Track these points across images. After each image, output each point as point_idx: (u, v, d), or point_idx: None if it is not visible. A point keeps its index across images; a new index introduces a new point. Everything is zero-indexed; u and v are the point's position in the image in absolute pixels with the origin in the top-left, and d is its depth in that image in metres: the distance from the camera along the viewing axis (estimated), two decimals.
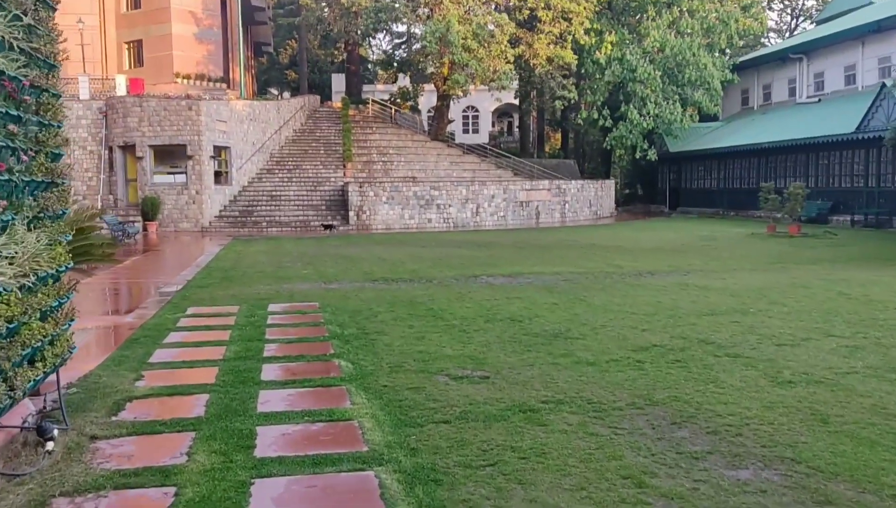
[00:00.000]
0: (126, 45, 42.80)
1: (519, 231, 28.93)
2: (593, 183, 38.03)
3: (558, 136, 69.87)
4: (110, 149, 31.30)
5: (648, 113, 38.00)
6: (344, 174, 35.04)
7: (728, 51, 44.48)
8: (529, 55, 37.78)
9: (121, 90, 33.19)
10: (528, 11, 37.30)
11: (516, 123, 70.09)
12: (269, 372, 6.92)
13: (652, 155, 39.46)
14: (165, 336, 8.55)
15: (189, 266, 16.85)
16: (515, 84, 39.00)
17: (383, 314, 10.05)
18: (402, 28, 65.52)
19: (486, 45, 34.99)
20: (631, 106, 38.37)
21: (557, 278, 13.90)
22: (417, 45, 46.11)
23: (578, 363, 7.20)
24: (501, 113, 68.01)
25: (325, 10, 49.20)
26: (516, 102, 55.17)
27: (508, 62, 35.75)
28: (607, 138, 40.24)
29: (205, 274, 15.18)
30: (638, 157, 39.98)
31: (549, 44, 38.20)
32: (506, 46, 35.31)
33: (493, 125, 66.60)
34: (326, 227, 30.22)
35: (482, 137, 60.01)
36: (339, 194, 33.17)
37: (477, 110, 63.37)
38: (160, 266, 18.03)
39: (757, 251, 19.42)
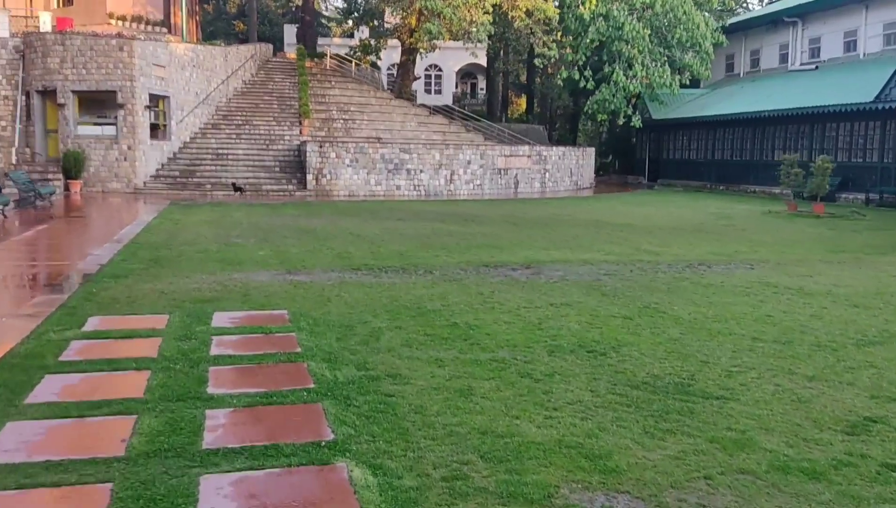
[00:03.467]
0: None
1: (501, 202, 25.68)
2: (575, 151, 34.93)
3: (521, 100, 66.74)
4: (27, 94, 26.78)
5: (635, 75, 34.92)
6: (301, 132, 31.13)
7: (714, 12, 41.66)
8: (508, 6, 34.19)
9: (45, 29, 28.53)
10: None
11: (480, 84, 66.64)
12: None
13: (637, 122, 36.52)
14: (28, 390, 4.96)
15: (109, 240, 13.14)
16: (480, 43, 35.52)
17: (388, 335, 6.72)
18: None
19: None
20: (616, 67, 35.22)
21: (594, 271, 10.72)
22: None
23: (780, 468, 4.02)
24: (465, 74, 64.37)
25: None
26: (481, 62, 51.62)
27: (486, 12, 32.12)
28: (588, 102, 37.07)
29: (128, 254, 11.54)
30: (621, 123, 36.97)
31: None
32: None
33: (457, 86, 62.85)
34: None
35: (445, 99, 56.25)
36: (294, 155, 29.34)
37: (440, 70, 59.51)
38: (70, 240, 14.22)
39: (797, 235, 16.58)
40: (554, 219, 19.32)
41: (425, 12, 31.78)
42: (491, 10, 32.57)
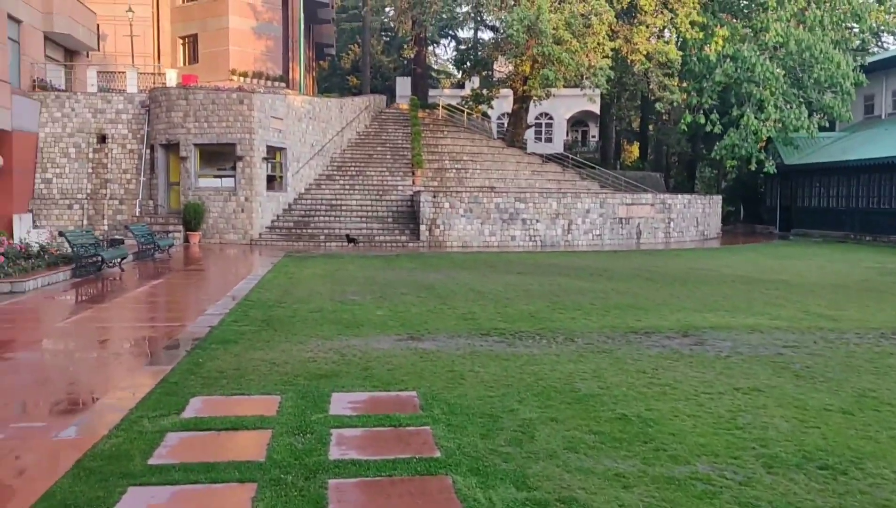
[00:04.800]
0: (181, 41, 39.61)
1: (625, 254, 23.93)
2: (701, 199, 32.70)
3: (634, 147, 64.68)
4: (152, 148, 27.50)
5: (767, 118, 32.53)
6: (413, 182, 30.59)
7: (850, 52, 38.70)
8: (627, 50, 32.80)
9: (171, 85, 29.47)
10: (627, 0, 32.38)
11: (591, 131, 65.12)
12: None
13: (770, 167, 33.91)
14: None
15: (223, 297, 12.48)
16: (598, 89, 34.05)
17: (543, 431, 5.36)
18: (468, 34, 61.60)
19: (580, 36, 30.17)
20: (746, 110, 32.95)
21: (770, 342, 9.00)
22: (494, 39, 41.63)
23: None
24: (576, 121, 63.06)
25: (391, 10, 45.40)
26: (595, 108, 50.19)
27: (606, 56, 30.82)
28: (716, 147, 34.82)
29: (240, 313, 10.73)
30: (753, 169, 34.45)
31: (649, 38, 33.25)
32: (604, 38, 30.40)
33: (568, 134, 61.53)
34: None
35: (556, 147, 55.04)
36: (407, 205, 28.72)
37: (551, 118, 58.45)
38: (182, 297, 13.67)
39: None
40: (693, 274, 17.47)
41: (540, 59, 30.83)
42: (610, 54, 31.27)
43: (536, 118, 56.42)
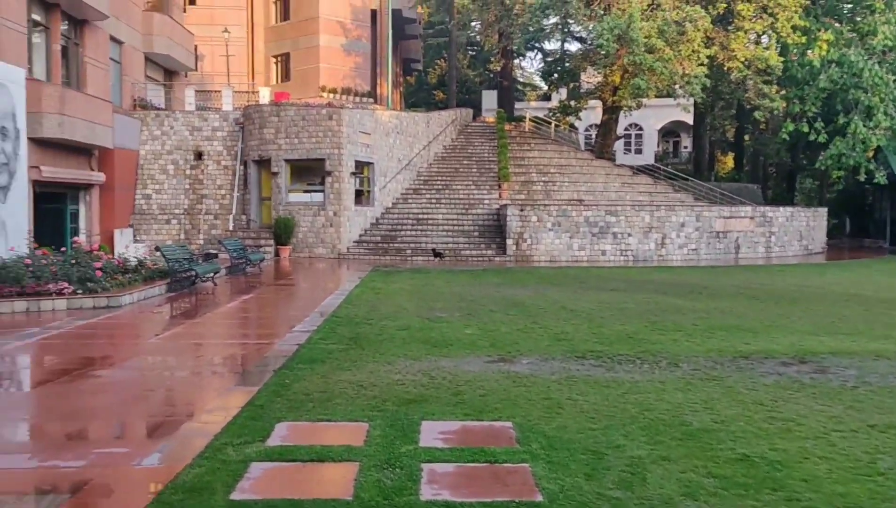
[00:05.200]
0: (274, 59, 40.73)
1: (724, 270, 22.77)
2: (804, 211, 30.96)
3: (728, 158, 62.36)
4: (245, 164, 28.16)
5: (877, 125, 30.54)
6: (500, 196, 30.19)
7: None
8: (723, 57, 31.50)
9: (264, 102, 30.19)
10: (724, 5, 31.11)
11: (683, 142, 63.16)
12: None
13: (881, 178, 31.80)
14: None
15: (311, 313, 12.38)
16: (692, 98, 32.74)
17: (655, 473, 4.84)
18: (555, 46, 60.85)
19: (674, 44, 29.15)
20: (854, 117, 31.04)
21: None
22: (582, 50, 40.91)
23: None
24: (666, 132, 61.29)
25: (477, 25, 45.34)
26: (687, 119, 48.58)
27: (701, 64, 29.64)
28: (821, 158, 32.97)
29: (328, 330, 10.56)
30: (863, 179, 32.42)
31: (747, 44, 31.82)
32: (699, 45, 29.26)
33: (658, 145, 59.83)
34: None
35: (646, 158, 53.59)
36: (493, 219, 28.34)
37: (641, 129, 57.03)
38: (271, 313, 13.66)
39: None
40: (801, 292, 16.34)
41: (631, 68, 29.95)
42: (706, 61, 30.08)
43: (626, 129, 55.13)
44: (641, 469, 4.92)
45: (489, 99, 49.23)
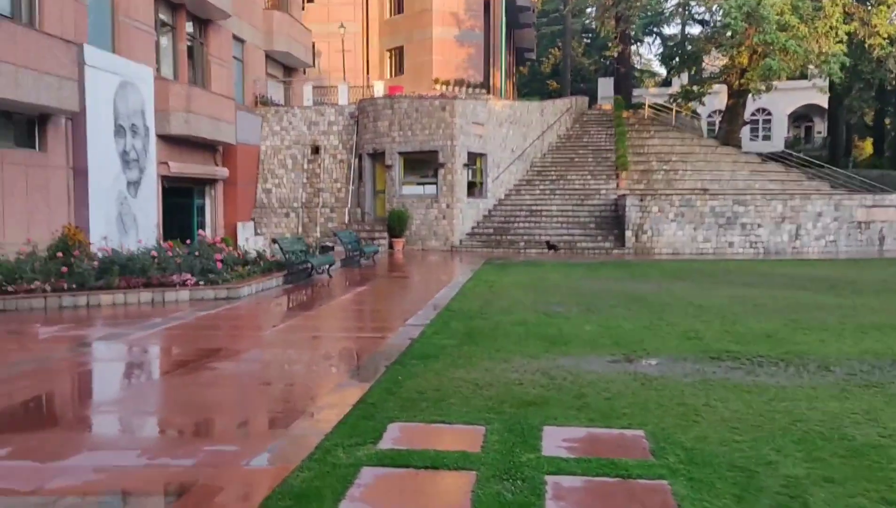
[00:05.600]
0: (388, 53, 41.09)
1: (867, 263, 20.89)
2: None
3: (866, 143, 57.81)
4: (360, 157, 28.45)
5: None
6: (617, 186, 29.09)
7: None
8: (864, 34, 29.05)
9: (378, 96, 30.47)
10: None
11: (816, 127, 59.12)
12: None
13: None
14: None
15: (423, 306, 12.12)
16: (829, 78, 30.19)
17: (818, 498, 4.14)
18: (674, 30, 58.30)
19: (809, 21, 27.09)
20: None
21: None
22: (705, 32, 38.85)
23: None
24: (797, 116, 57.53)
25: (593, 10, 44.03)
26: (820, 101, 45.35)
27: (840, 41, 27.41)
28: None
29: (441, 324, 10.24)
30: None
31: (891, 18, 29.20)
32: (837, 21, 27.06)
33: (788, 130, 56.26)
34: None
35: (775, 144, 50.46)
36: (611, 210, 27.32)
37: (769, 113, 53.79)
38: (385, 305, 13.48)
39: None
40: None
41: (760, 48, 28.10)
42: (845, 38, 27.79)
43: (752, 114, 52.13)
44: (801, 491, 4.24)
45: (605, 86, 47.75)
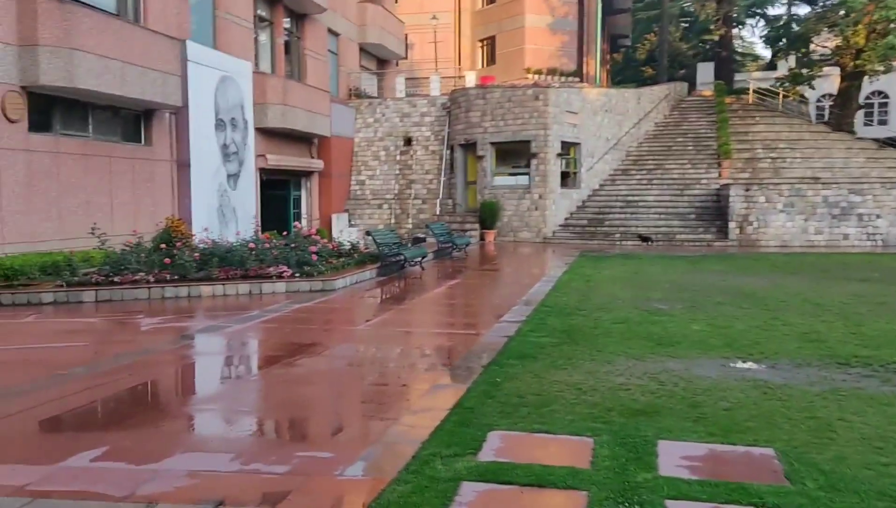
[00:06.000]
0: (480, 43, 40.78)
1: None
2: None
3: None
4: (451, 148, 28.24)
5: None
6: (720, 175, 27.76)
7: None
8: None
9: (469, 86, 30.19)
10: None
11: None
12: None
13: None
14: None
15: (518, 301, 11.74)
16: None
17: None
18: (779, 10, 55.23)
19: None
20: None
21: None
22: (815, 11, 36.55)
23: None
24: None
25: None
26: None
27: None
28: None
29: (537, 321, 9.84)
30: None
31: None
32: None
33: None
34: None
35: (892, 129, 47.13)
36: (712, 200, 26.09)
37: (886, 96, 50.24)
38: (479, 300, 13.14)
39: None
40: None
41: (880, 26, 26.16)
42: None
43: (866, 98, 48.81)
44: None
45: (705, 72, 45.76)
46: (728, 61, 45.11)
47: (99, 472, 4.44)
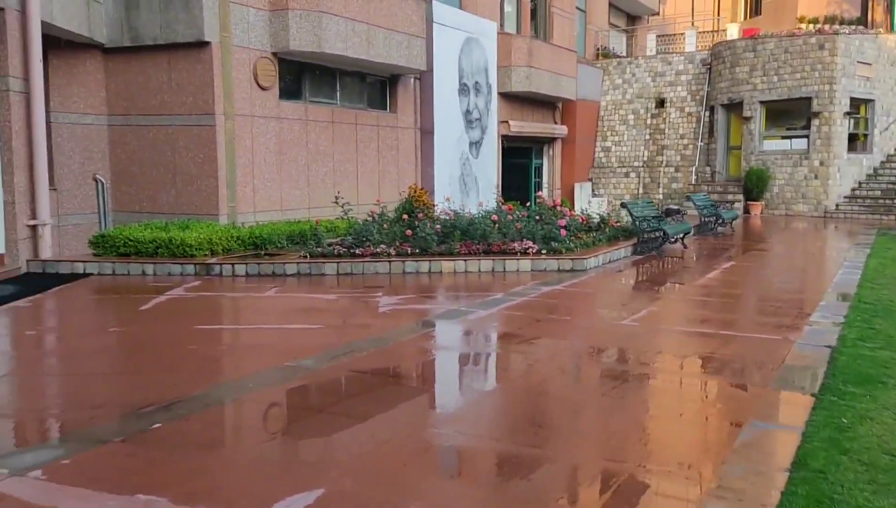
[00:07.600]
0: None
1: None
2: None
3: None
4: (711, 109, 25.18)
5: None
6: None
7: None
8: None
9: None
10: None
11: None
12: None
13: None
14: None
15: (823, 294, 9.34)
16: None
17: None
18: None
19: None
20: None
21: None
22: None
23: None
24: None
25: None
26: None
27: None
28: None
29: (861, 323, 7.51)
30: None
31: None
32: None
33: None
34: None
35: None
36: None
37: None
38: (767, 292, 10.61)
39: None
40: None
41: None
42: None
43: None
44: None
45: None
46: None
47: None
